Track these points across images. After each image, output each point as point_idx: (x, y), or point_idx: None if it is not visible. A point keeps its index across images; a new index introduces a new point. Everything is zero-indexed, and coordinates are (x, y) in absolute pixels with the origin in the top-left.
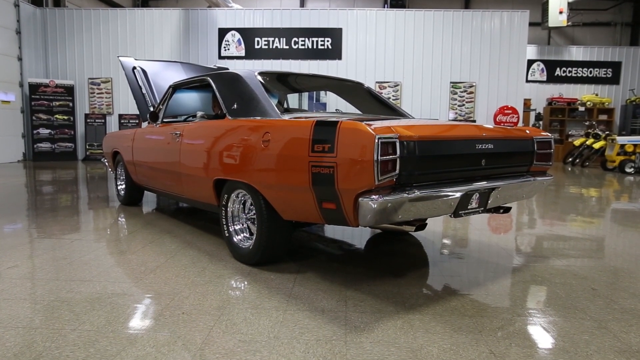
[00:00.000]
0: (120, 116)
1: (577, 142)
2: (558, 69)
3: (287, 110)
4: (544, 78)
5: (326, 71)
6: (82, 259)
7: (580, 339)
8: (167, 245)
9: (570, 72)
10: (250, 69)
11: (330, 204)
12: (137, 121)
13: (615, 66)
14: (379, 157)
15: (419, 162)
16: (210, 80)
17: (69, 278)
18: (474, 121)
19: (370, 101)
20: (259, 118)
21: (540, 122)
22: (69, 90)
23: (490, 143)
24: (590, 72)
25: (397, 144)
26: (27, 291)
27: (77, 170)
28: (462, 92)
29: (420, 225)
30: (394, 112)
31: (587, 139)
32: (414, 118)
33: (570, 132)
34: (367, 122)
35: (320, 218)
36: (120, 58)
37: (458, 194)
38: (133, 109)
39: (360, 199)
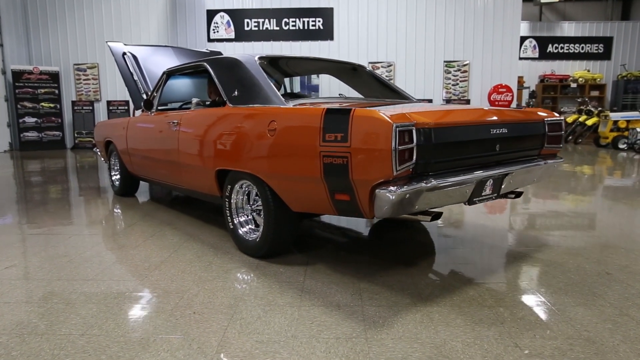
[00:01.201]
0: (109, 103)
1: (569, 119)
2: (550, 45)
3: (290, 96)
4: (536, 55)
5: (318, 53)
6: (82, 255)
7: (603, 328)
8: (169, 239)
9: (562, 48)
10: (250, 54)
11: (344, 195)
12: (126, 108)
13: (607, 41)
14: (397, 146)
15: (435, 149)
16: (208, 66)
17: (70, 277)
18: (468, 101)
19: (372, 84)
20: (262, 106)
21: (534, 100)
22: (54, 77)
23: (504, 127)
24: (582, 48)
25: (414, 132)
26: (29, 293)
27: (66, 160)
28: (455, 71)
29: (436, 214)
30: (398, 95)
31: (579, 115)
32: (417, 101)
33: (562, 109)
34: (379, 109)
35: (332, 209)
36: (109, 44)
37: (474, 182)
38: (122, 96)
39: (377, 190)
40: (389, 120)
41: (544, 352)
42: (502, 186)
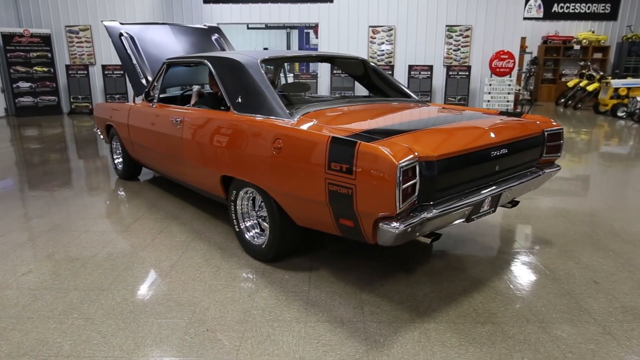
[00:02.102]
0: (104, 67)
1: (570, 84)
2: (555, 4)
3: (291, 103)
4: (541, 15)
5: (317, 16)
6: (95, 259)
7: (586, 349)
8: (177, 236)
9: (567, 7)
10: (253, 56)
11: (348, 221)
12: (122, 72)
13: (614, 1)
14: (401, 186)
15: (437, 180)
16: (210, 65)
17: (86, 287)
18: (469, 67)
19: (372, 78)
20: (266, 118)
21: (535, 67)
22: (46, 40)
23: (505, 148)
24: (588, 8)
25: (417, 167)
26: (49, 307)
27: (64, 129)
28: (457, 35)
29: (436, 236)
30: (399, 92)
31: (580, 80)
32: (417, 101)
33: (563, 72)
34: (383, 139)
35: (337, 231)
36: (104, 23)
37: (473, 204)
38: (116, 59)
39: (380, 224)
40: (394, 161)
41: None
42: (500, 201)
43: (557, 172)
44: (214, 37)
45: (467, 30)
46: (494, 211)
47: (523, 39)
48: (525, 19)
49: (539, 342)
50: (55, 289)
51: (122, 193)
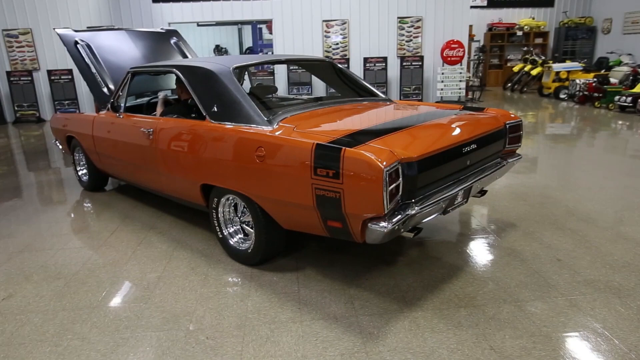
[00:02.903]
0: (50, 72)
1: (515, 68)
2: None
3: (266, 108)
4: (485, 3)
5: (270, 11)
6: (77, 277)
7: (557, 322)
8: (157, 246)
9: None
10: (224, 64)
11: (336, 223)
12: (70, 77)
13: None
14: (388, 188)
15: (418, 178)
16: (180, 74)
17: (74, 306)
18: (422, 57)
19: (340, 79)
20: (245, 126)
21: (483, 55)
22: None
23: (474, 143)
24: None
25: (399, 169)
26: (40, 330)
27: (10, 139)
28: (409, 27)
29: (418, 230)
30: (363, 90)
31: (525, 65)
32: (382, 96)
33: (508, 57)
34: (365, 143)
35: (325, 232)
36: (57, 31)
37: (449, 198)
38: (63, 64)
39: (369, 224)
40: (380, 166)
41: (513, 354)
42: (471, 192)
43: (519, 161)
44: (173, 40)
45: (417, 21)
46: (466, 202)
47: (470, 27)
48: (471, 7)
49: (516, 319)
50: (42, 312)
51: (91, 205)
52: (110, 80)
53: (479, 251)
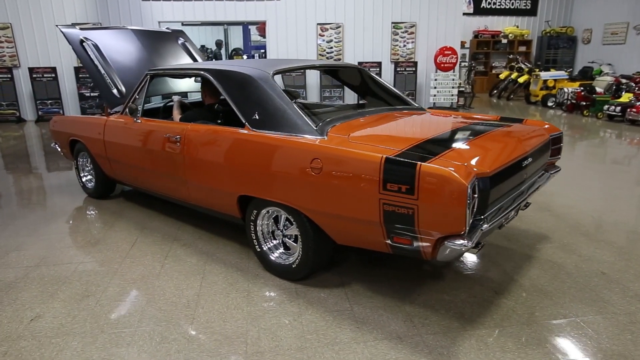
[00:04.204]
0: (32, 70)
1: (502, 76)
2: (484, 0)
3: (311, 111)
4: (471, 10)
5: (264, 13)
6: (107, 294)
7: (625, 339)
8: (186, 260)
9: (494, 3)
10: (262, 69)
11: (405, 240)
12: (53, 75)
13: None
14: (471, 206)
15: (490, 194)
16: (212, 78)
17: (113, 327)
18: (416, 63)
19: (371, 86)
20: (292, 135)
21: (475, 61)
22: None
23: (530, 156)
24: (512, 4)
25: (476, 185)
26: (82, 355)
27: None
28: (403, 32)
29: (482, 245)
30: (396, 98)
31: (511, 72)
32: (417, 108)
33: (493, 64)
34: (438, 158)
35: (387, 249)
36: (61, 29)
37: (512, 213)
38: (46, 61)
39: (445, 242)
40: (464, 182)
41: None
42: (522, 206)
43: (558, 173)
44: (180, 41)
45: (411, 26)
46: (516, 215)
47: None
48: None
49: (583, 337)
50: (80, 334)
51: (101, 214)
52: (120, 82)
53: (521, 264)
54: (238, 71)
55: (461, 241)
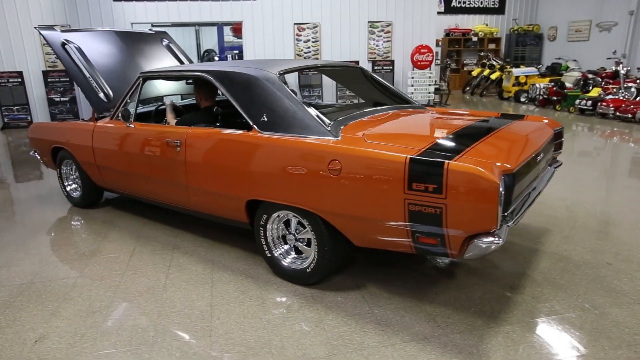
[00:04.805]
0: None
1: (474, 73)
2: None
3: (321, 112)
4: (442, 9)
5: (240, 13)
6: (113, 308)
7: None
8: (191, 269)
9: (464, 2)
10: (267, 69)
11: (431, 239)
12: (20, 80)
13: None
14: (502, 202)
15: (513, 191)
16: (214, 80)
17: (126, 344)
18: (393, 62)
19: (373, 86)
20: (305, 136)
21: (450, 59)
22: None
23: (542, 151)
24: (481, 3)
25: (503, 181)
26: None
27: None
28: (379, 31)
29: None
30: (397, 97)
31: (483, 69)
32: (417, 103)
33: (465, 61)
34: (463, 155)
35: (410, 249)
36: (41, 31)
37: (526, 208)
38: (11, 66)
39: (476, 240)
40: (496, 180)
41: None
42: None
43: (560, 167)
44: (164, 42)
45: (388, 25)
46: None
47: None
48: None
49: (605, 328)
50: (92, 354)
51: (91, 224)
52: (107, 85)
53: (529, 258)
54: (242, 72)
55: (491, 239)
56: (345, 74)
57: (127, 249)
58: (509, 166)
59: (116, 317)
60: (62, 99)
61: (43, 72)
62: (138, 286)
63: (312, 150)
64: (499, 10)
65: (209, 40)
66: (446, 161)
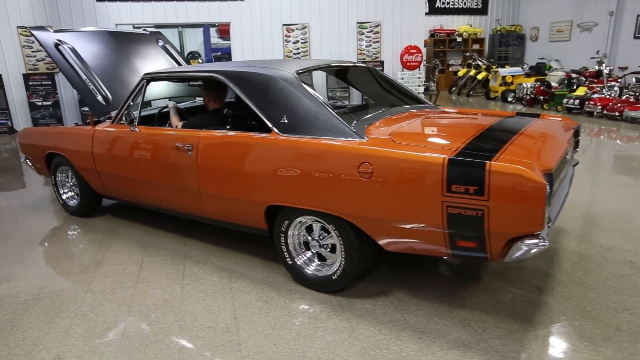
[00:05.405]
0: None
1: (460, 73)
2: (438, 0)
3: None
4: (427, 10)
5: (228, 14)
6: (132, 324)
7: None
8: (207, 279)
9: (448, 3)
10: (283, 69)
11: (469, 242)
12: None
13: None
14: (549, 203)
15: (552, 190)
16: (227, 81)
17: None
18: (382, 62)
19: (385, 86)
20: (329, 138)
21: (437, 60)
22: None
23: (568, 150)
24: (464, 3)
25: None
26: None
27: None
28: (368, 32)
29: None
30: (408, 97)
31: (469, 69)
32: (429, 103)
33: (450, 62)
34: (502, 155)
35: (445, 254)
36: (33, 32)
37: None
38: None
39: (521, 243)
40: (542, 180)
41: None
42: None
43: (577, 165)
44: (160, 43)
45: (376, 26)
46: None
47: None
48: None
49: None
50: None
51: (93, 234)
52: (105, 87)
53: (550, 259)
54: (259, 72)
55: (536, 240)
56: (355, 73)
57: (134, 260)
58: (548, 166)
59: (135, 333)
60: (44, 103)
61: (24, 75)
62: (153, 299)
63: (340, 152)
64: (482, 11)
65: (193, 42)
66: (488, 162)
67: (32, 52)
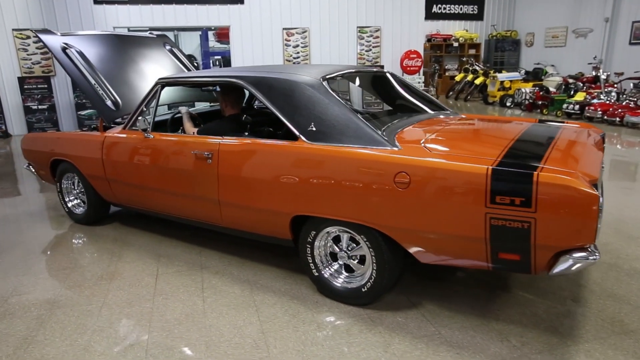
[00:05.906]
0: None
1: (457, 78)
2: (434, 5)
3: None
4: (423, 15)
5: (227, 19)
6: (156, 340)
7: None
8: (228, 291)
9: (444, 8)
10: (309, 74)
11: (513, 255)
12: None
13: (480, 3)
14: (601, 215)
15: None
16: (250, 87)
17: None
18: (382, 67)
19: (406, 93)
20: (360, 147)
21: (437, 64)
22: None
23: (602, 160)
24: (460, 9)
25: None
26: None
27: None
28: (368, 36)
29: None
30: (432, 104)
31: (466, 74)
32: (451, 112)
33: (446, 67)
34: (546, 166)
35: (484, 266)
36: (39, 35)
37: None
38: None
39: (571, 256)
40: (595, 193)
41: None
42: None
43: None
44: (167, 47)
45: (376, 31)
46: None
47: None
48: None
49: None
50: None
51: (102, 244)
52: (115, 92)
53: None
54: (283, 78)
55: (585, 254)
56: (376, 79)
57: (149, 271)
58: (594, 176)
59: (159, 350)
60: (39, 106)
61: (19, 78)
62: (174, 313)
63: (375, 162)
64: (478, 16)
65: (189, 46)
66: (535, 172)
67: (28, 55)
